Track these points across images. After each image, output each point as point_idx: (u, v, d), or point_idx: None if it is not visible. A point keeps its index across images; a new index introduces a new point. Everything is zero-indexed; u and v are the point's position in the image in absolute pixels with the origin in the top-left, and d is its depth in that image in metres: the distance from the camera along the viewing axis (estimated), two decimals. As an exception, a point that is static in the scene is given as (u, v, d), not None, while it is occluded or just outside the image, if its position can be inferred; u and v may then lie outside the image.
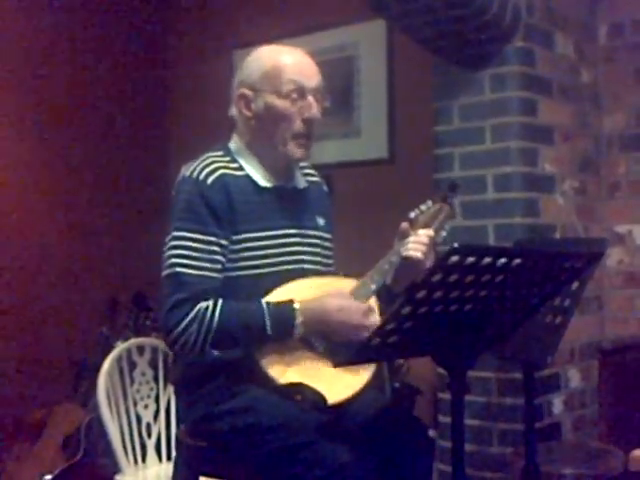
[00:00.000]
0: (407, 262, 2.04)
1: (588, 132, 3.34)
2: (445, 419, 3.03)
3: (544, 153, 3.07)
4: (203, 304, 1.92)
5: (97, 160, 4.50)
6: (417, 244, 2.03)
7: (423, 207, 2.13)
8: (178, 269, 1.95)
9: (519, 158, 2.97)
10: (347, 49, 4.06)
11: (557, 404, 3.08)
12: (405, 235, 2.07)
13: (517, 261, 1.57)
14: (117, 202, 4.56)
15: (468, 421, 2.81)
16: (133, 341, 2.93)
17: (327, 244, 2.20)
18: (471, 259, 1.50)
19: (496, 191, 2.98)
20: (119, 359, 2.77)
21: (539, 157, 3.04)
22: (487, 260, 1.52)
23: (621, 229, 3.39)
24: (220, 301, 1.94)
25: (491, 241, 2.97)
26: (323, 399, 1.91)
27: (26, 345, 4.14)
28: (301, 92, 2.05)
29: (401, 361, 3.45)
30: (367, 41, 4.01)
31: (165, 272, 1.98)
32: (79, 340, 4.12)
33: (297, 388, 1.91)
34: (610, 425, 3.16)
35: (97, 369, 2.74)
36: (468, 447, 2.85)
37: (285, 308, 1.94)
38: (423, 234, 2.05)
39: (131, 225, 4.54)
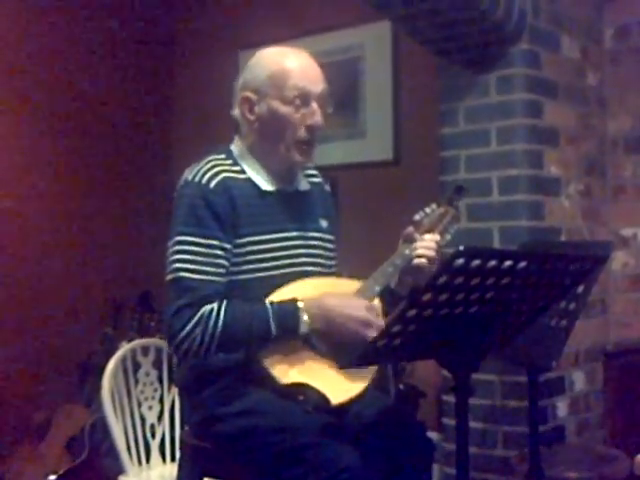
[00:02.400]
0: (412, 266, 2.04)
1: (593, 135, 3.33)
2: (449, 422, 3.03)
3: (549, 155, 3.06)
4: (207, 307, 1.92)
5: (101, 160, 4.50)
6: (424, 249, 2.03)
7: (428, 210, 2.13)
8: (181, 274, 1.94)
9: (524, 160, 2.97)
10: (352, 51, 4.05)
11: (561, 407, 3.07)
12: (410, 238, 2.07)
13: (522, 264, 1.56)
14: (121, 203, 4.56)
15: (472, 424, 2.80)
16: (137, 342, 2.92)
17: (329, 246, 2.19)
18: (476, 262, 1.50)
19: (501, 194, 2.98)
20: (123, 360, 2.77)
21: (544, 159, 3.04)
22: (492, 263, 1.52)
23: (626, 232, 3.38)
24: (224, 303, 1.93)
25: (496, 244, 2.97)
26: (326, 400, 1.91)
27: (30, 346, 4.14)
28: (305, 98, 2.04)
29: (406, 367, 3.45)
30: (372, 43, 4.01)
31: (169, 277, 1.97)
32: (83, 341, 4.12)
33: (300, 388, 1.91)
34: (615, 429, 3.15)
35: (101, 370, 2.73)
36: (472, 450, 2.83)
37: (289, 307, 1.94)
38: (429, 239, 2.05)
39: (135, 226, 4.55)
